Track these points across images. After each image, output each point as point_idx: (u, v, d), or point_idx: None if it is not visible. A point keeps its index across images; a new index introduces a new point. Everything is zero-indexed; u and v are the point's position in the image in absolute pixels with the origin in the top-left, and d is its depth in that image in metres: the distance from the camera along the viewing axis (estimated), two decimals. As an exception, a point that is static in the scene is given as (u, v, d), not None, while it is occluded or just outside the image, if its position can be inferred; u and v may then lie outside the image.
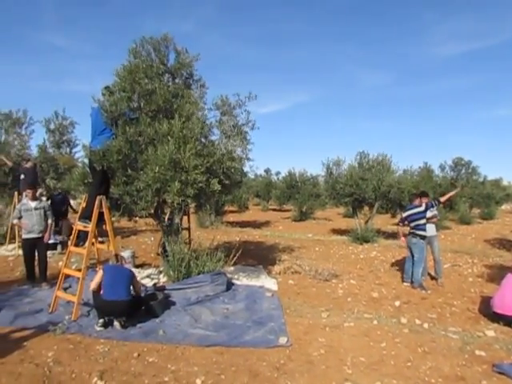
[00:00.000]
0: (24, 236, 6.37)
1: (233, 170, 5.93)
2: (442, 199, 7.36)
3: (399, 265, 8.44)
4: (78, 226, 5.44)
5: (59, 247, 9.24)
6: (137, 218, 7.39)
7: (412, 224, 6.95)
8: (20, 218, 6.31)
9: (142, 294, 5.23)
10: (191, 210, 9.29)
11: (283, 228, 16.96)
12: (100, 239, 6.38)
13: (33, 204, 6.37)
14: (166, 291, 5.62)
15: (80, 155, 12.64)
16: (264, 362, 3.84)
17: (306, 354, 4.05)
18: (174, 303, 5.40)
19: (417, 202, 7.04)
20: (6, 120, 10.33)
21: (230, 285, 6.25)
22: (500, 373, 3.70)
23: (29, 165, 9.21)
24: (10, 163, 9.87)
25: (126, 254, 7.30)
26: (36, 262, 6.43)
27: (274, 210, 29.38)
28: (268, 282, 6.77)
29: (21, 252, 8.62)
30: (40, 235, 6.36)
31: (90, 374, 3.50)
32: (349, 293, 6.46)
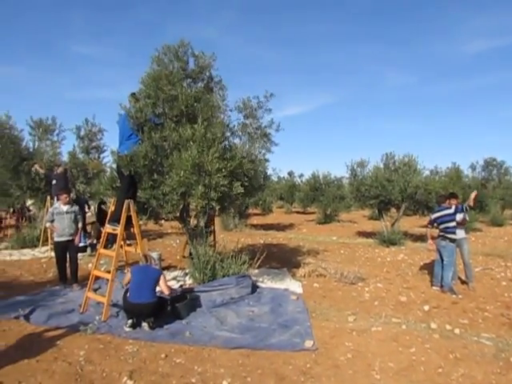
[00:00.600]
0: (56, 239, 6.59)
1: (253, 173, 5.93)
2: (471, 203, 7.08)
3: (428, 268, 8.22)
4: (107, 229, 5.59)
5: (89, 249, 9.54)
6: (162, 221, 7.55)
7: (441, 226, 6.76)
8: (52, 221, 6.52)
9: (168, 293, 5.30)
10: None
11: (307, 231, 16.86)
12: (128, 242, 6.55)
13: (64, 208, 6.57)
14: (191, 293, 5.69)
15: (107, 160, 12.99)
16: (290, 365, 3.82)
17: (332, 358, 4.00)
18: (199, 305, 5.46)
19: (445, 203, 6.85)
20: (38, 127, 10.76)
21: (254, 287, 6.26)
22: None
23: (59, 170, 9.56)
24: (42, 171, 10.26)
25: (152, 256, 7.43)
26: (67, 264, 6.64)
27: (298, 212, 29.24)
28: (293, 285, 6.74)
29: (53, 254, 8.96)
30: (71, 238, 6.56)
31: (120, 374, 3.59)
32: (376, 296, 6.34)
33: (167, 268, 7.99)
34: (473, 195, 6.93)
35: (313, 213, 25.90)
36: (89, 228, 10.89)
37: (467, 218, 7.29)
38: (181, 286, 6.47)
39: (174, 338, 4.41)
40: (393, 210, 13.90)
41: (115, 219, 5.47)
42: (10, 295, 5.91)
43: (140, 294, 4.67)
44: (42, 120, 10.93)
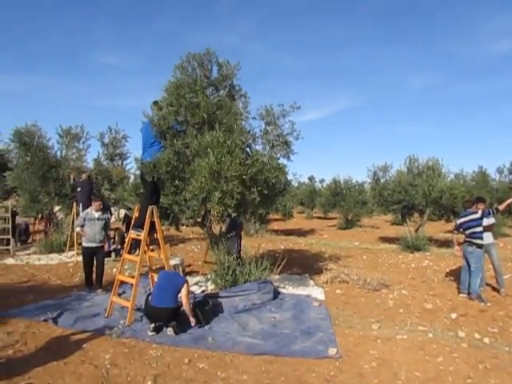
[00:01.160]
0: (84, 244, 6.67)
1: (273, 181, 5.91)
2: (501, 207, 6.83)
3: (454, 275, 8.00)
4: (132, 234, 5.69)
5: (113, 255, 9.73)
6: (183, 227, 7.65)
7: (467, 232, 6.57)
8: (83, 226, 6.62)
9: (191, 301, 5.33)
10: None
11: (328, 236, 16.70)
12: (150, 247, 6.64)
13: (96, 214, 6.69)
14: (213, 299, 5.72)
15: (130, 167, 13.26)
16: (313, 373, 3.78)
17: (356, 366, 3.94)
18: (221, 311, 5.48)
19: (472, 208, 6.66)
20: (66, 135, 11.11)
21: (276, 293, 6.24)
22: None
23: (84, 177, 9.83)
24: (72, 178, 10.57)
25: (174, 261, 7.53)
26: (94, 269, 6.78)
27: (319, 217, 29.02)
28: (315, 291, 6.68)
29: (79, 259, 9.21)
30: (100, 245, 6.68)
31: (145, 378, 3.63)
32: (400, 304, 6.21)
33: (189, 273, 8.05)
34: (510, 200, 6.73)
35: (334, 218, 25.65)
36: (112, 233, 11.13)
37: (495, 223, 7.07)
38: (203, 291, 6.51)
39: (196, 343, 4.44)
40: (416, 214, 13.61)
41: (139, 225, 5.57)
42: (40, 298, 6.09)
43: (161, 299, 4.72)
44: (71, 128, 11.27)
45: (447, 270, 8.70)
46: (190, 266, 8.96)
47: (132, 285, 5.31)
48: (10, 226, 10.78)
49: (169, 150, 5.67)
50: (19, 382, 3.46)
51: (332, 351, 4.19)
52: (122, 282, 5.95)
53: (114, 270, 8.03)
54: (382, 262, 10.07)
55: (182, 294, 4.87)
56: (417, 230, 12.65)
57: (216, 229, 7.18)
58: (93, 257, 6.65)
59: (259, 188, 5.60)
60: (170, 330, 4.67)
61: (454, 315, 5.60)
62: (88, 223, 6.59)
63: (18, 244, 11.56)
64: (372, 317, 5.50)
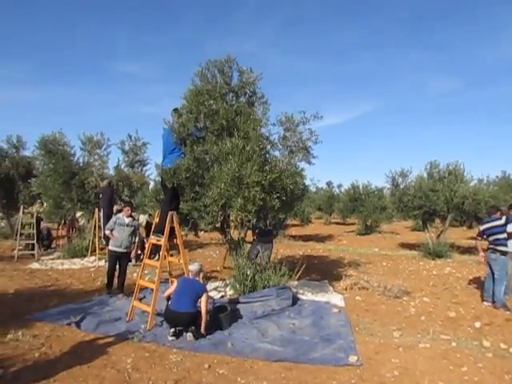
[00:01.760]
0: (111, 247, 6.75)
1: (292, 187, 5.91)
2: None
3: (478, 282, 7.79)
4: (152, 239, 5.78)
5: (133, 260, 9.88)
6: (201, 232, 7.70)
7: (491, 238, 6.41)
8: (112, 229, 6.71)
9: (210, 306, 5.37)
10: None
11: (347, 242, 16.53)
12: (170, 252, 6.71)
13: (126, 220, 6.78)
14: (232, 304, 5.73)
15: (150, 173, 13.48)
16: (334, 380, 3.74)
17: (378, 374, 3.88)
18: (240, 316, 5.49)
19: (497, 214, 6.49)
20: (88, 143, 11.40)
21: (295, 299, 6.21)
22: None
23: (105, 184, 10.05)
24: (98, 184, 10.82)
25: (193, 267, 7.57)
26: (116, 273, 6.89)
27: (337, 223, 28.76)
28: (334, 298, 6.62)
29: (100, 263, 9.41)
30: (126, 250, 6.75)
31: (165, 383, 3.67)
32: (422, 311, 6.08)
33: (208, 279, 8.10)
34: None
35: (352, 224, 25.39)
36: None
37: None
38: (222, 296, 6.54)
39: (216, 349, 4.46)
40: (438, 220, 13.35)
41: (159, 230, 5.66)
42: (63, 302, 6.23)
43: (180, 303, 4.77)
44: (92, 135, 11.56)
45: (470, 278, 8.49)
46: (211, 272, 9.00)
47: (152, 290, 5.38)
48: (34, 231, 11.10)
49: (188, 157, 5.74)
50: (45, 384, 3.56)
51: (353, 359, 4.14)
52: (142, 287, 6.03)
53: (135, 274, 8.15)
54: (402, 268, 9.89)
55: (202, 301, 4.92)
56: (438, 236, 12.39)
57: (234, 234, 7.21)
58: (117, 261, 6.74)
59: (278, 194, 5.61)
60: (189, 335, 4.71)
61: (478, 324, 5.46)
62: (117, 228, 6.68)
63: (42, 249, 11.87)
64: (393, 324, 5.41)
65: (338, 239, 17.67)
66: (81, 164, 11.48)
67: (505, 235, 6.28)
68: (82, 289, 7.34)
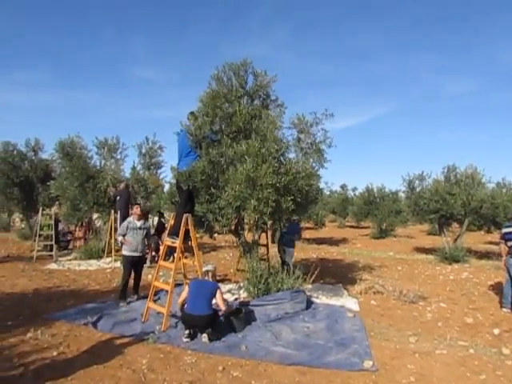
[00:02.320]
0: (126, 253, 6.55)
1: (307, 189, 5.89)
2: None
3: (496, 288, 7.62)
4: (167, 241, 5.83)
5: (148, 261, 9.99)
6: (216, 235, 7.74)
7: (509, 243, 6.27)
8: (124, 235, 6.57)
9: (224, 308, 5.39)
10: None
11: (361, 245, 16.37)
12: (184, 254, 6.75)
13: (138, 223, 6.67)
14: (246, 307, 5.74)
15: (164, 175, 13.61)
16: (349, 385, 3.71)
17: (393, 380, 3.83)
18: (254, 319, 5.49)
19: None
20: (103, 147, 11.57)
21: (309, 303, 6.18)
22: None
23: (122, 187, 10.19)
24: (112, 192, 10.96)
25: (207, 268, 7.62)
26: (132, 277, 6.92)
27: (351, 226, 28.53)
28: (349, 302, 6.56)
29: (116, 265, 9.53)
30: (141, 254, 6.67)
31: (180, 384, 3.70)
32: (439, 317, 5.98)
33: (222, 281, 8.14)
34: None
35: (367, 227, 25.15)
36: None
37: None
38: (236, 299, 6.56)
39: (230, 351, 4.47)
40: (454, 224, 13.12)
41: (174, 232, 5.70)
42: (80, 303, 6.34)
43: (196, 306, 4.81)
44: (107, 139, 11.71)
45: (488, 283, 8.31)
46: (225, 275, 9.04)
47: (167, 291, 5.43)
48: (53, 232, 11.33)
49: (204, 159, 5.79)
50: (63, 383, 3.62)
51: (368, 364, 4.10)
52: (157, 289, 6.08)
53: (149, 276, 8.25)
54: (418, 273, 9.75)
55: (218, 299, 4.96)
56: (455, 241, 12.18)
57: (248, 237, 7.23)
58: (133, 266, 6.60)
59: (292, 196, 5.61)
60: (204, 337, 4.73)
61: (496, 331, 5.34)
62: (130, 232, 6.53)
63: (60, 249, 12.08)
64: (409, 330, 5.34)
65: (352, 242, 17.51)
66: (97, 167, 11.66)
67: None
68: (99, 289, 7.45)
